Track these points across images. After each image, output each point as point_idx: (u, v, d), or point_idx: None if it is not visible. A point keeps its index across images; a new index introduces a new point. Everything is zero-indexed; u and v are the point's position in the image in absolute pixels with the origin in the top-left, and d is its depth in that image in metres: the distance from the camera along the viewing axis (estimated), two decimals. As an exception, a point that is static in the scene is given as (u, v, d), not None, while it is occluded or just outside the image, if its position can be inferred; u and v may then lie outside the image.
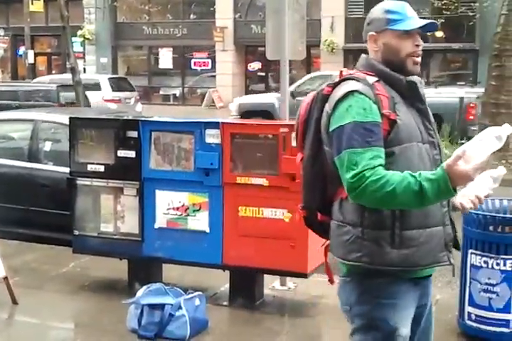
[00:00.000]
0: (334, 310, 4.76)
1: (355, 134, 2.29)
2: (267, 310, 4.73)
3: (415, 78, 2.48)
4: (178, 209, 4.73)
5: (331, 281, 2.71)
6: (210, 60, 28.23)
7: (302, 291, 5.11)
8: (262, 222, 4.53)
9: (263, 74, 28.10)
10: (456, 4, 19.97)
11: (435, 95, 17.46)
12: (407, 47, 2.44)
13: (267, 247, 4.53)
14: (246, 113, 16.79)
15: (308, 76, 17.98)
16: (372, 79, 2.41)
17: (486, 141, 2.18)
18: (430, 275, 2.57)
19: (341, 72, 2.50)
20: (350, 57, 26.40)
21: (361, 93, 2.34)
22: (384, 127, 2.33)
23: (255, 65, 28.07)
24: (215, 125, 4.63)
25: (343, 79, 2.44)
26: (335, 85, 2.45)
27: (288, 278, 5.14)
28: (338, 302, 4.59)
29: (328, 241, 2.62)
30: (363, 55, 2.55)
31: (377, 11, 2.53)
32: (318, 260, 4.72)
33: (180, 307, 4.16)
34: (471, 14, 21.06)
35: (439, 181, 2.16)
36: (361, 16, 25.69)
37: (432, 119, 2.51)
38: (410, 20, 2.45)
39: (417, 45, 2.46)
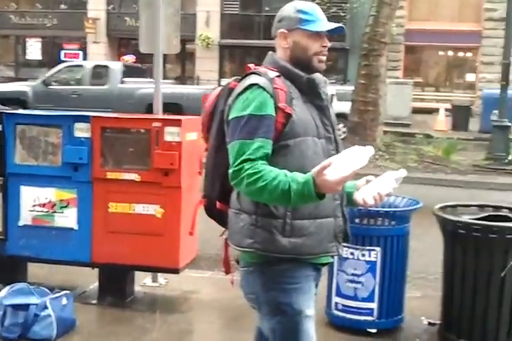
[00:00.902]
0: (206, 305, 4.80)
1: (248, 126, 2.40)
2: (137, 308, 4.66)
3: (318, 77, 2.60)
4: (44, 205, 4.56)
5: (227, 272, 2.75)
6: (81, 52, 27.47)
7: (174, 287, 5.08)
8: (134, 218, 4.45)
9: (137, 67, 27.65)
10: (328, 4, 20.53)
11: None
12: (315, 46, 2.57)
13: (138, 243, 4.46)
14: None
15: (63, 65, 17.69)
16: (273, 74, 2.51)
17: (353, 157, 2.28)
18: (328, 263, 2.69)
19: (247, 67, 2.61)
20: (226, 52, 26.61)
21: (260, 86, 2.45)
22: (280, 120, 2.44)
23: (128, 58, 27.59)
24: (84, 118, 4.50)
25: (247, 74, 2.55)
26: (240, 80, 2.56)
27: (159, 274, 5.09)
28: (209, 297, 4.60)
29: (227, 231, 2.68)
30: (270, 52, 2.66)
31: (289, 10, 2.61)
32: (190, 255, 4.73)
33: (45, 307, 4.01)
34: (342, 14, 21.76)
35: (305, 185, 2.26)
36: (237, 13, 25.98)
37: (332, 116, 2.63)
38: (321, 22, 2.58)
39: (324, 46, 2.59)
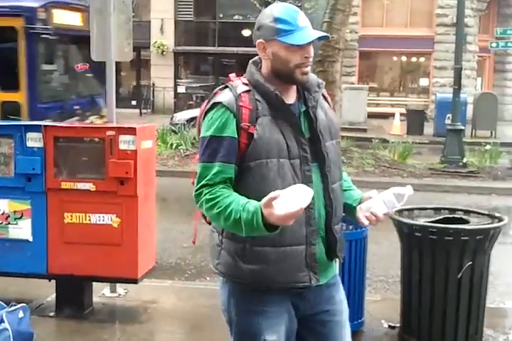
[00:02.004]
0: (165, 315, 4.76)
1: (209, 148, 2.31)
2: (96, 319, 4.59)
3: (311, 79, 2.44)
4: (-3, 217, 4.46)
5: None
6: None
7: (133, 297, 5.01)
8: (90, 228, 4.39)
9: (90, 75, 27.39)
10: (281, 10, 20.62)
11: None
12: (295, 58, 2.33)
13: (95, 254, 4.40)
14: None
15: None
16: (242, 89, 2.36)
17: (303, 193, 2.09)
18: (306, 288, 2.41)
19: (229, 77, 2.48)
20: (181, 59, 26.53)
21: (223, 105, 2.32)
22: (243, 140, 2.30)
23: (82, 66, 27.30)
24: (36, 128, 4.42)
25: (224, 86, 2.43)
26: (221, 90, 2.44)
27: (118, 285, 5.02)
28: (169, 306, 4.55)
29: None
30: (250, 62, 2.48)
31: (266, 17, 2.37)
32: (148, 265, 4.68)
33: (2, 321, 3.93)
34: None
35: (253, 216, 2.13)
36: (191, 19, 25.93)
37: (324, 128, 2.43)
38: (302, 31, 2.32)
39: (307, 57, 2.35)
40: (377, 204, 2.36)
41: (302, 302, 2.44)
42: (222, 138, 2.29)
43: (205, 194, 2.27)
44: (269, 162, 2.30)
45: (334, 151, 2.47)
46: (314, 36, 2.33)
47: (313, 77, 2.47)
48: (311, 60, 2.38)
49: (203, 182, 2.29)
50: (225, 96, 2.36)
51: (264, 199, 2.09)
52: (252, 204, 2.16)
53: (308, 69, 2.40)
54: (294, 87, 2.45)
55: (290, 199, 2.05)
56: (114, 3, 5.16)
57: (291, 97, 2.43)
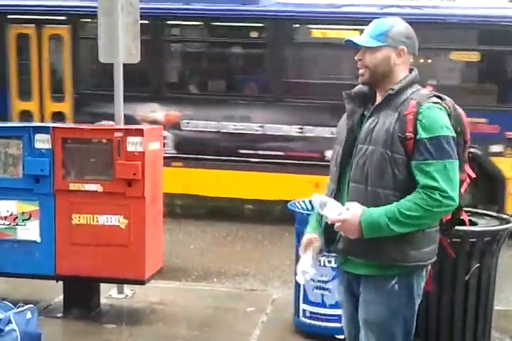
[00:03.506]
0: (172, 316, 4.76)
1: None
2: (103, 320, 4.60)
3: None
4: (6, 218, 4.49)
5: None
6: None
7: (140, 298, 5.03)
8: (97, 229, 4.40)
9: (99, 77, 27.50)
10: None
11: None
12: None
13: (102, 255, 4.41)
14: None
15: None
16: None
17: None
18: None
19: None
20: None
21: None
22: None
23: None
24: (45, 129, 4.44)
25: None
26: None
27: (125, 286, 5.04)
28: (176, 307, 4.55)
29: None
30: None
31: None
32: (155, 266, 4.69)
33: (10, 322, 3.93)
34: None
35: None
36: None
37: None
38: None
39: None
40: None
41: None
42: None
43: None
44: None
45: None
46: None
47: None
48: (359, 62, 2.62)
49: None
50: None
51: None
52: None
53: (360, 71, 2.63)
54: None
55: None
56: (122, 4, 5.17)
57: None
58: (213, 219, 8.42)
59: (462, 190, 2.65)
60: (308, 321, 4.29)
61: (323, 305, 4.21)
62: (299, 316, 4.35)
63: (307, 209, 4.38)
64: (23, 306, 4.09)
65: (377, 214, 2.44)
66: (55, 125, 4.58)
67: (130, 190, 4.33)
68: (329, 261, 4.14)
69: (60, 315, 4.62)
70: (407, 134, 2.47)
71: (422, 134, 2.46)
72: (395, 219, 2.42)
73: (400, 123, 2.49)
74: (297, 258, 4.30)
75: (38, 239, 4.48)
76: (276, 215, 8.70)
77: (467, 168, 2.71)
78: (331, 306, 4.19)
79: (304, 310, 4.30)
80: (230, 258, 6.73)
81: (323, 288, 4.19)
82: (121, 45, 5.18)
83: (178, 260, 6.49)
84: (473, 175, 2.74)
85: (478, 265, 3.90)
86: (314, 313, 4.25)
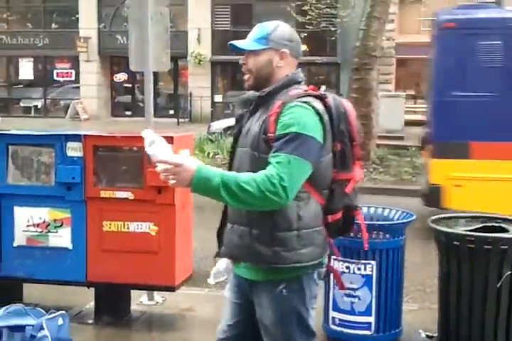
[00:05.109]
0: (203, 323, 4.77)
1: None
2: (134, 327, 4.63)
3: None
4: (38, 225, 4.55)
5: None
6: (73, 71, 27.54)
7: (170, 305, 5.05)
8: (128, 236, 4.44)
9: (129, 85, 27.78)
10: (318, 19, 20.66)
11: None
12: None
13: (133, 262, 4.45)
14: None
15: None
16: None
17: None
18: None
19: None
20: (218, 68, 26.69)
21: None
22: None
23: (121, 76, 27.68)
24: (76, 138, 4.50)
25: None
26: None
27: (156, 293, 5.06)
28: (206, 314, 4.59)
29: None
30: None
31: None
32: (186, 273, 4.71)
33: (42, 328, 3.98)
34: (332, 29, 21.88)
35: None
36: (228, 29, 26.10)
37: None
38: None
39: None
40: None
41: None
42: None
43: None
44: None
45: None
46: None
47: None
48: (243, 67, 2.67)
49: None
50: None
51: None
52: None
53: (245, 77, 2.68)
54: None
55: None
56: (152, 13, 5.23)
57: None
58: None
59: (349, 190, 2.64)
60: (337, 328, 4.27)
61: (352, 312, 4.19)
62: (328, 323, 4.33)
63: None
64: (54, 312, 4.14)
65: (213, 172, 2.39)
66: (87, 133, 4.64)
67: (160, 198, 4.36)
68: (359, 269, 4.13)
69: (91, 321, 4.66)
70: (269, 135, 2.49)
71: (279, 131, 2.47)
72: (228, 187, 2.35)
73: (265, 125, 2.51)
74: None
75: (70, 246, 4.54)
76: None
77: (357, 167, 2.69)
78: (361, 313, 4.17)
79: (334, 318, 4.28)
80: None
81: (353, 296, 4.17)
82: (151, 54, 5.23)
83: (208, 267, 6.50)
84: (362, 176, 2.72)
85: (510, 272, 3.85)
86: (344, 320, 4.23)
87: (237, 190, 2.36)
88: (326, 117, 2.54)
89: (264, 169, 2.42)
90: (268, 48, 2.62)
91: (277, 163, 2.41)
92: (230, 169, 2.64)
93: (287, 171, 2.39)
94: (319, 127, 2.50)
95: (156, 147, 2.39)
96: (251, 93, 2.70)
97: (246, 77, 2.66)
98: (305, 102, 2.51)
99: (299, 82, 2.64)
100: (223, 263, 2.84)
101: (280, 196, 2.38)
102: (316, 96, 2.57)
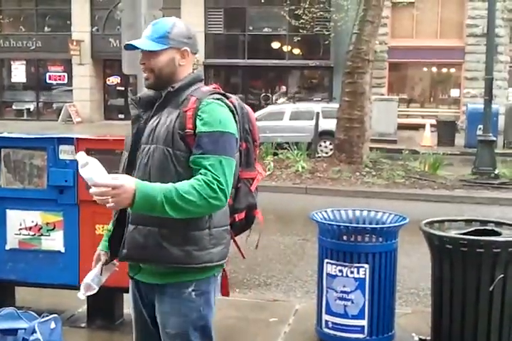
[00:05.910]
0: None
1: None
2: (127, 330, 4.58)
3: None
4: (30, 229, 4.53)
5: None
6: (66, 74, 27.51)
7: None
8: (121, 239, 4.42)
9: (122, 88, 27.74)
10: (312, 23, 20.71)
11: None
12: None
13: (125, 265, 4.41)
14: None
15: None
16: None
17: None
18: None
19: None
20: (211, 72, 26.70)
21: None
22: None
23: (114, 79, 27.66)
24: (69, 141, 4.49)
25: None
26: None
27: (149, 296, 5.04)
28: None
29: None
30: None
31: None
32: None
33: (34, 331, 3.97)
34: (326, 33, 21.93)
35: None
36: (221, 32, 26.13)
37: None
38: None
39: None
40: None
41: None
42: None
43: None
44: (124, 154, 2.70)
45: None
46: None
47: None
48: (142, 66, 2.64)
49: None
50: None
51: None
52: None
53: (144, 75, 2.63)
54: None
55: None
56: (145, 17, 5.24)
57: None
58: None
59: (253, 188, 2.65)
60: (330, 332, 4.27)
61: (345, 315, 4.19)
62: (321, 327, 4.33)
63: (330, 220, 4.37)
64: (47, 316, 4.13)
65: (153, 187, 2.32)
66: (79, 136, 4.62)
67: (153, 201, 4.35)
68: (352, 272, 4.13)
69: (83, 324, 4.65)
70: (187, 131, 2.46)
71: (201, 128, 2.44)
72: (171, 201, 2.31)
73: (180, 120, 2.48)
74: (319, 269, 4.30)
75: (62, 249, 4.52)
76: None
77: (258, 166, 2.71)
78: (354, 317, 4.17)
79: (327, 321, 4.28)
80: (252, 269, 6.73)
81: (346, 299, 4.18)
82: (144, 57, 5.23)
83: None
84: (265, 174, 2.74)
85: (502, 275, 3.86)
86: (337, 324, 4.23)
87: (180, 203, 2.31)
88: (236, 116, 2.56)
89: (178, 165, 2.43)
90: (169, 48, 2.57)
91: (210, 165, 2.39)
92: (129, 169, 2.56)
93: (221, 173, 2.39)
94: (235, 124, 2.53)
95: (91, 169, 2.28)
96: (150, 92, 2.65)
97: (146, 75, 2.60)
98: (219, 99, 2.52)
99: (202, 80, 2.66)
100: (92, 275, 2.74)
101: (221, 200, 2.38)
102: (223, 95, 2.58)
